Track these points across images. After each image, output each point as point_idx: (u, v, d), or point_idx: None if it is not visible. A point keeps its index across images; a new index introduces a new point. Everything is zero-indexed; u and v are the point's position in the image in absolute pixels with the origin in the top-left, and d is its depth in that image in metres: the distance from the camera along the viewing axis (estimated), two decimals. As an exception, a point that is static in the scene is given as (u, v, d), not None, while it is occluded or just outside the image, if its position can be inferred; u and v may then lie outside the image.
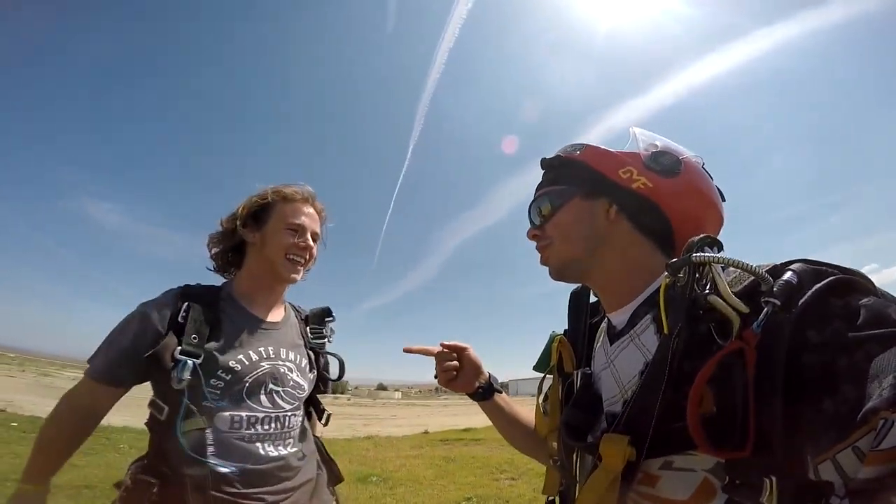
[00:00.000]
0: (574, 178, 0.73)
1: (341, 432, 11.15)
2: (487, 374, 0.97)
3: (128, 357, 1.07)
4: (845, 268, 0.48)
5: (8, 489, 3.46)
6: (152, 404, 1.10)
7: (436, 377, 0.96)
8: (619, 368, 0.65)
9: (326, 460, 1.35)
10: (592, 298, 0.83)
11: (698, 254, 0.53)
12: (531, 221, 0.78)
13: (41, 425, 1.11)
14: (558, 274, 0.75)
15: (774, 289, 0.47)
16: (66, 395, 1.12)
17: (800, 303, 0.45)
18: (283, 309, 1.34)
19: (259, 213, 1.25)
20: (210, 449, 1.05)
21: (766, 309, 0.46)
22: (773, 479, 0.42)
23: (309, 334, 1.35)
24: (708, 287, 0.52)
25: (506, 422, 0.96)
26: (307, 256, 1.26)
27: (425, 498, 4.86)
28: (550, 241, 0.74)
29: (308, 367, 1.29)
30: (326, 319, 1.42)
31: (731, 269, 0.53)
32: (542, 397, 0.88)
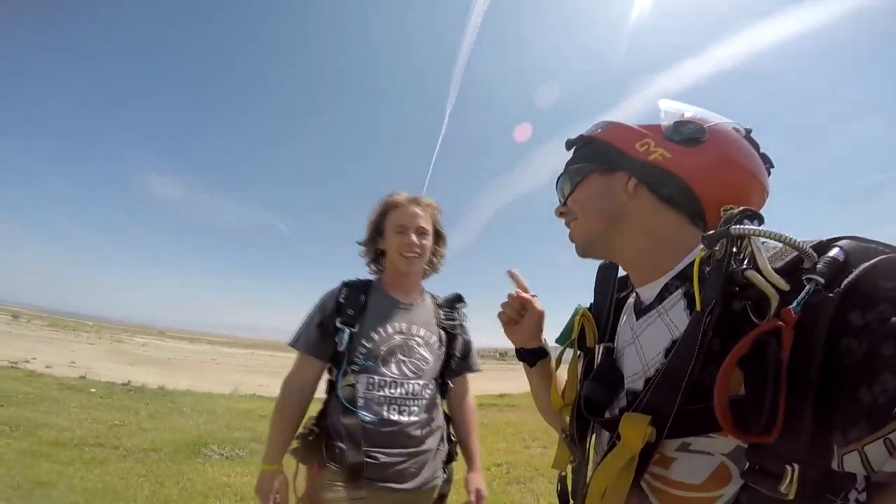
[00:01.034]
0: (593, 155, 0.73)
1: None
2: (544, 339, 0.96)
3: (313, 332, 1.41)
4: None
5: (86, 454, 3.92)
6: (328, 370, 1.42)
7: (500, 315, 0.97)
8: (644, 345, 0.64)
9: (448, 439, 1.52)
10: (621, 273, 0.82)
11: (737, 226, 0.50)
12: (559, 199, 0.79)
13: (273, 413, 1.40)
14: (583, 251, 0.75)
15: (818, 265, 0.44)
16: (285, 380, 1.44)
17: (844, 282, 0.42)
18: (421, 294, 1.59)
19: (379, 225, 1.54)
20: (359, 402, 1.32)
21: (807, 287, 0.43)
22: (796, 467, 0.41)
23: (441, 315, 1.56)
24: (746, 262, 0.50)
25: (541, 389, 0.96)
26: (418, 251, 1.48)
27: (456, 463, 5.06)
28: (574, 217, 0.74)
29: (438, 343, 1.50)
30: (457, 305, 1.62)
31: (772, 244, 0.50)
32: (559, 370, 0.89)
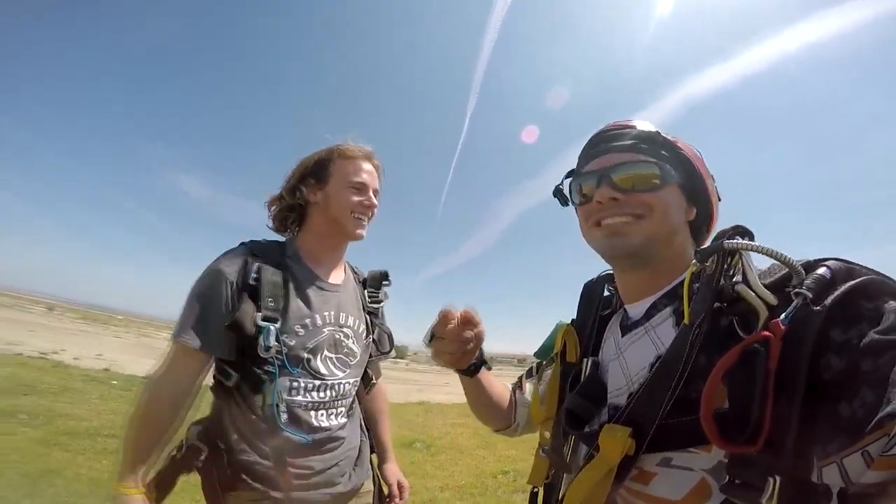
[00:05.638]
0: (677, 166, 0.68)
1: (395, 397, 11.71)
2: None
3: (215, 324, 1.06)
4: (880, 272, 0.47)
5: (98, 444, 3.98)
6: (220, 370, 1.10)
7: (430, 343, 0.80)
8: (629, 360, 0.64)
9: (367, 428, 1.37)
10: (606, 293, 0.82)
11: (730, 241, 0.52)
12: (609, 183, 0.67)
13: (134, 417, 1.04)
14: (633, 250, 0.66)
15: (806, 282, 0.46)
16: (155, 379, 1.08)
17: (830, 298, 0.44)
18: (344, 270, 1.34)
19: (320, 172, 1.24)
20: (282, 417, 1.08)
21: (795, 301, 0.45)
22: (777, 479, 0.42)
23: (366, 297, 1.35)
24: (736, 277, 0.52)
25: (481, 394, 0.91)
26: (370, 214, 1.28)
27: (464, 468, 5.01)
28: (641, 215, 0.65)
29: (365, 332, 1.30)
30: (383, 283, 1.41)
31: (761, 261, 0.52)
32: (542, 385, 0.87)
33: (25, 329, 15.39)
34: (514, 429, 0.95)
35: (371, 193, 1.26)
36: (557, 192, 0.79)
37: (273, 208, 1.30)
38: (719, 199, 0.72)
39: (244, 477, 1.06)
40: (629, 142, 0.69)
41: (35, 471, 2.89)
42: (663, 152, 0.68)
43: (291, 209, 1.28)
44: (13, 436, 3.74)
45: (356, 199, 1.22)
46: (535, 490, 0.79)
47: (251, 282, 1.09)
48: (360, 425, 1.32)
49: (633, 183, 0.66)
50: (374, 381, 1.39)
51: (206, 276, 1.10)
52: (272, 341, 1.05)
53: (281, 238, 1.29)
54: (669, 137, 0.69)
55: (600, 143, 0.73)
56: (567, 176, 0.79)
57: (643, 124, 0.71)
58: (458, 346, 0.78)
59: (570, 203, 0.78)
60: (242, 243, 1.19)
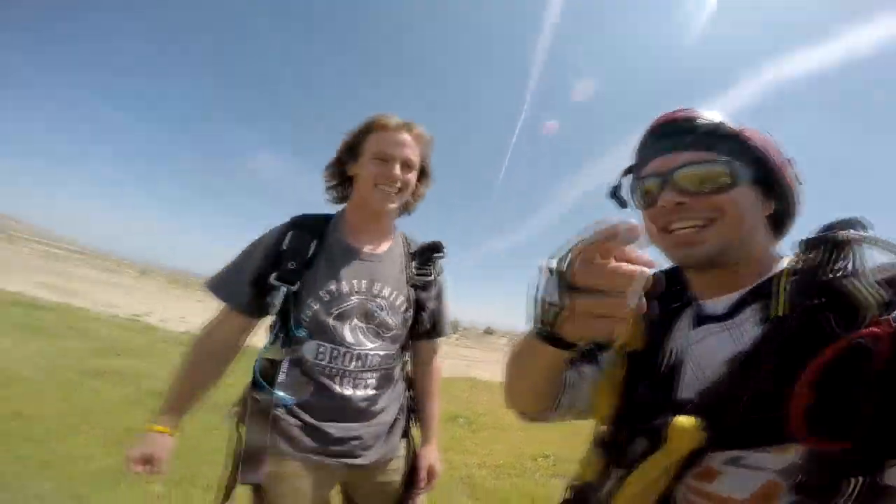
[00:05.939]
0: (746, 158, 0.62)
1: (443, 372, 11.82)
2: None
3: (238, 281, 1.20)
4: None
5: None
6: (267, 329, 1.24)
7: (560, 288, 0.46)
8: (704, 354, 0.62)
9: (409, 409, 1.38)
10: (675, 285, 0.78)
11: (844, 231, 0.50)
12: (674, 186, 0.62)
13: (184, 364, 1.21)
14: (705, 258, 0.62)
15: None
16: (206, 330, 1.24)
17: None
18: (391, 240, 1.35)
19: (354, 148, 1.28)
20: (280, 377, 1.13)
21: None
22: (860, 479, 0.42)
23: (414, 270, 1.33)
24: (844, 270, 0.49)
25: (546, 375, 0.70)
26: (399, 186, 1.25)
27: (504, 447, 5.06)
28: (712, 219, 0.61)
29: (406, 305, 1.28)
30: (434, 255, 1.37)
31: (874, 255, 0.50)
32: (605, 375, 0.82)
33: (121, 291, 17.39)
34: (562, 414, 0.79)
35: (397, 164, 1.23)
36: (614, 194, 0.74)
37: (327, 183, 1.37)
38: (800, 183, 0.66)
39: (266, 426, 1.14)
40: (691, 137, 0.64)
41: (119, 428, 3.27)
42: (730, 146, 0.62)
43: (336, 184, 1.35)
44: (102, 394, 4.22)
45: (376, 170, 1.22)
46: (578, 484, 0.72)
47: (283, 248, 1.19)
48: (402, 402, 1.34)
49: (701, 184, 0.61)
50: (406, 359, 1.38)
51: (251, 243, 1.24)
52: (278, 300, 1.13)
53: (332, 211, 1.36)
54: (735, 127, 0.63)
55: (659, 139, 0.68)
56: (625, 174, 0.74)
57: (705, 114, 0.65)
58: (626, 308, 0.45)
59: (631, 206, 0.73)
60: (295, 215, 1.28)
